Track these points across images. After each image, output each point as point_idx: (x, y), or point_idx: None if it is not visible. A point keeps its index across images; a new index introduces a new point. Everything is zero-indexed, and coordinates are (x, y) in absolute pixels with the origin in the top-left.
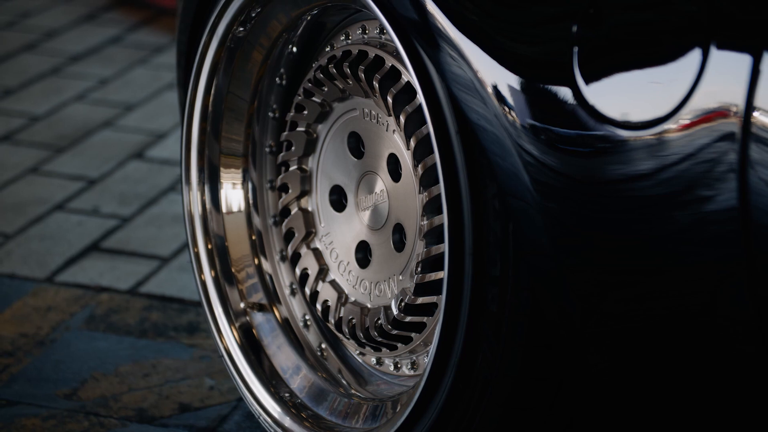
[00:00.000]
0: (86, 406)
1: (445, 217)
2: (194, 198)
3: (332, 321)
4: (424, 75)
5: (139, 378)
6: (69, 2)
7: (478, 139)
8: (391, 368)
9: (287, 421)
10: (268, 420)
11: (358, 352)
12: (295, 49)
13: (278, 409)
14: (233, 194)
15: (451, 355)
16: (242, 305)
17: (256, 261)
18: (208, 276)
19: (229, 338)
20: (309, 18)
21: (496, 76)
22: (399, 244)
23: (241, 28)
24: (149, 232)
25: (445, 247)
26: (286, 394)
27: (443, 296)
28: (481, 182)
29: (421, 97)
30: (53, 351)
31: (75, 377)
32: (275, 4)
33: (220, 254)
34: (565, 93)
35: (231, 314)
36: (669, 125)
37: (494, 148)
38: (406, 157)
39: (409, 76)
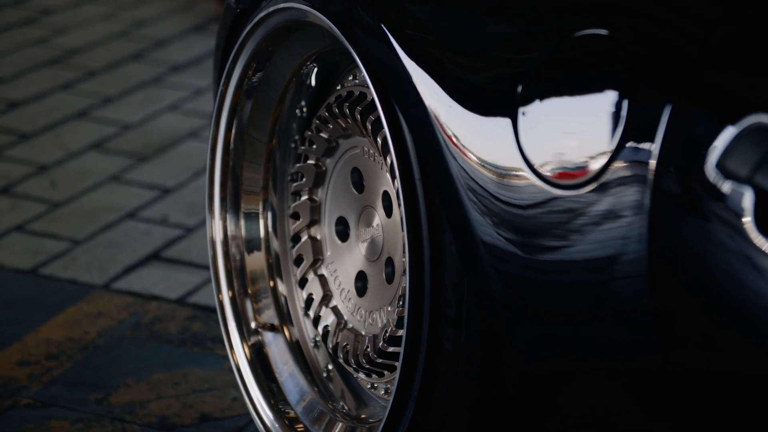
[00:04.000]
0: (114, 411)
1: (407, 258)
2: (216, 225)
3: (330, 345)
4: (396, 124)
5: (169, 386)
6: (183, 13)
7: (439, 188)
8: (382, 392)
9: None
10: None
11: (356, 375)
12: (313, 83)
13: (271, 417)
14: (252, 222)
15: (411, 390)
16: (253, 325)
17: (272, 283)
18: (225, 296)
19: (240, 354)
20: (316, 64)
21: (458, 135)
22: (391, 276)
23: (255, 75)
24: None
25: (400, 288)
26: (285, 409)
27: (404, 334)
28: (441, 228)
29: (390, 142)
30: (95, 356)
31: (110, 383)
32: (280, 51)
33: (238, 276)
34: (510, 152)
35: (244, 332)
36: (596, 185)
37: (451, 197)
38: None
39: (384, 124)
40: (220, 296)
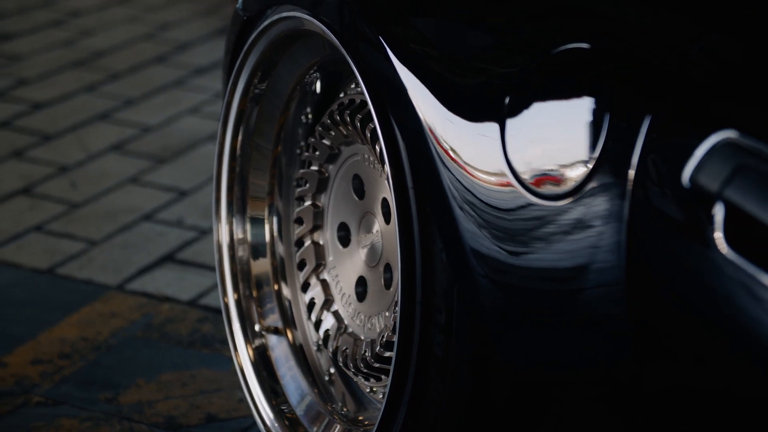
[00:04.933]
0: (122, 410)
1: (399, 266)
2: (223, 229)
3: (330, 349)
4: (391, 133)
5: (177, 387)
6: (207, 16)
7: (431, 197)
8: (380, 396)
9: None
10: None
11: (356, 379)
12: (318, 91)
13: (272, 417)
14: (258, 227)
15: (403, 395)
16: (257, 328)
17: (276, 287)
18: (230, 298)
19: (244, 356)
20: (318, 73)
21: (449, 145)
22: (389, 282)
23: (261, 83)
24: None
25: (398, 294)
26: (287, 410)
27: (396, 340)
28: (432, 236)
29: (384, 151)
30: (106, 356)
31: (120, 382)
32: (283, 61)
33: (243, 279)
34: (498, 163)
35: (248, 334)
36: (579, 195)
37: (442, 206)
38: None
39: (379, 133)
40: (225, 299)
